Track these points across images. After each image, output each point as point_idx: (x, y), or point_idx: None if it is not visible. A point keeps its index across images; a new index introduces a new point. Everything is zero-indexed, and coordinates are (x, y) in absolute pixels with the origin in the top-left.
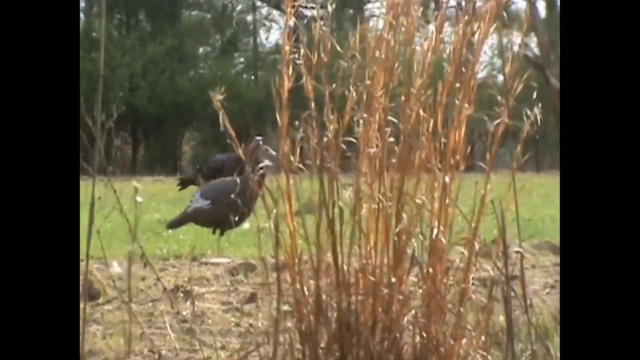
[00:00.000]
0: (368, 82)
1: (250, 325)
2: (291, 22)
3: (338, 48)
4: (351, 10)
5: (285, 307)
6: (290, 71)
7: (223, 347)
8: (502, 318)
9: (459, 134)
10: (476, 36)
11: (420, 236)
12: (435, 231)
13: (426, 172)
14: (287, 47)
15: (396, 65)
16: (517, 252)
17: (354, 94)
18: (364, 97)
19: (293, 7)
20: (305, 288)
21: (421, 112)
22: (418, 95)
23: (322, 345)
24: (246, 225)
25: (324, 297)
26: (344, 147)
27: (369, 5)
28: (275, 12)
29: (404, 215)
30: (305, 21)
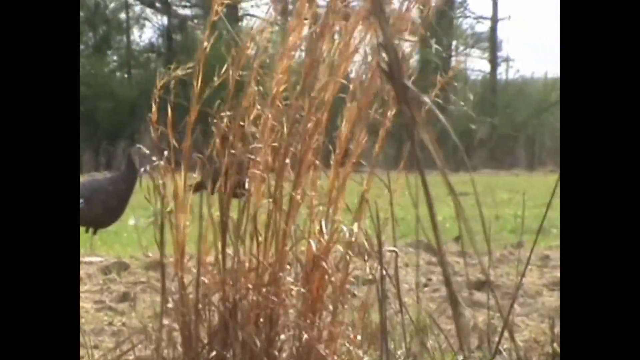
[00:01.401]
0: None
1: (124, 324)
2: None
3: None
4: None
5: (169, 305)
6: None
7: (96, 347)
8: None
9: (343, 133)
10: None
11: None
12: (315, 229)
13: (309, 170)
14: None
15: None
16: (391, 251)
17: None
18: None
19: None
20: (187, 285)
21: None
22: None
23: (202, 342)
24: (132, 221)
25: (205, 294)
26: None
27: (243, 4)
28: (148, 11)
29: (285, 212)
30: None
